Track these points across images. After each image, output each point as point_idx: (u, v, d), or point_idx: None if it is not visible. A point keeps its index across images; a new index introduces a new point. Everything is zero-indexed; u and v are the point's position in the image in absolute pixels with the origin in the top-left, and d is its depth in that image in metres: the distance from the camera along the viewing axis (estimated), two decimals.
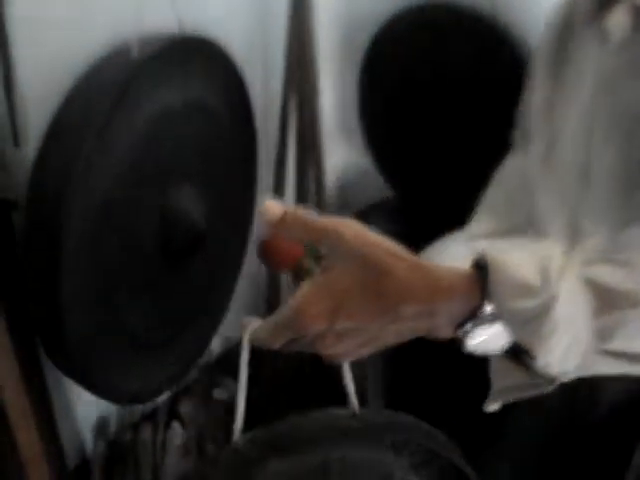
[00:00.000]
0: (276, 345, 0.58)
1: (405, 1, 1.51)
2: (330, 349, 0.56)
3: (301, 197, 1.60)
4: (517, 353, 0.57)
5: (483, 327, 0.55)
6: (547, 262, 0.54)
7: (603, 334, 0.54)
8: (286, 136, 1.55)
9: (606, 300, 0.54)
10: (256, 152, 1.38)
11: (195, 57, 1.11)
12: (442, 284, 0.55)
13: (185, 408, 1.51)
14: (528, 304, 0.53)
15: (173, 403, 1.60)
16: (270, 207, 0.56)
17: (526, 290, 0.53)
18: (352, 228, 0.55)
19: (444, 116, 1.54)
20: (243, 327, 0.61)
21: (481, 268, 0.55)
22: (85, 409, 1.36)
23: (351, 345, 0.56)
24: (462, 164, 1.50)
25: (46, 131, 0.91)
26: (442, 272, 0.56)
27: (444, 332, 0.57)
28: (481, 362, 0.65)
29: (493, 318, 0.55)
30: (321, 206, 1.60)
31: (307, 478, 0.62)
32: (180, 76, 1.08)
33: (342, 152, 1.79)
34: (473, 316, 0.54)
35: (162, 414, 1.53)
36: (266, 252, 0.77)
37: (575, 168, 0.78)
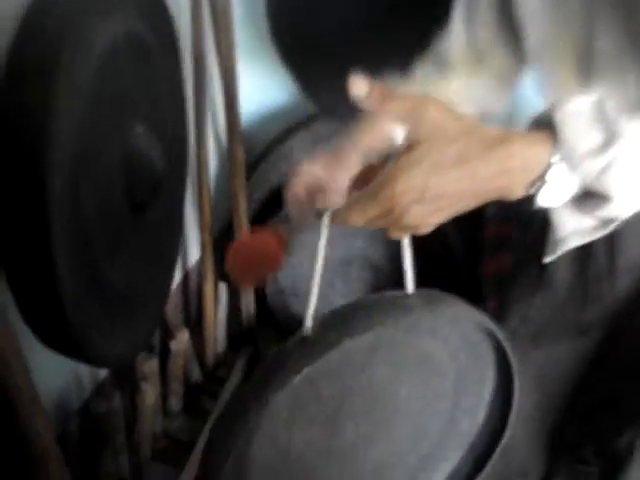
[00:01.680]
0: (360, 223, 0.62)
1: None
2: (414, 220, 0.61)
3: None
4: (583, 198, 0.62)
5: (554, 178, 0.60)
6: (602, 104, 0.58)
7: None
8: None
9: None
10: (183, 86, 1.30)
11: None
12: (517, 140, 0.60)
13: (146, 366, 1.45)
14: (595, 138, 0.57)
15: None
16: (357, 82, 0.60)
17: (590, 126, 0.58)
18: (435, 104, 0.59)
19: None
20: (322, 212, 0.64)
21: (547, 124, 0.59)
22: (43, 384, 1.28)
23: (434, 213, 0.61)
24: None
25: (6, 72, 0.80)
26: (515, 134, 0.61)
27: (516, 191, 0.61)
28: None
29: (562, 165, 0.59)
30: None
31: (358, 356, 0.70)
32: (120, 8, 0.98)
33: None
34: (547, 169, 0.59)
35: (127, 376, 1.46)
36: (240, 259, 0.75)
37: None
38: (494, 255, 1.68)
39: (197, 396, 1.70)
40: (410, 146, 0.59)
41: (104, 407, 1.34)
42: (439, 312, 0.73)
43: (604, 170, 0.58)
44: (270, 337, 1.82)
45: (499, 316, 1.13)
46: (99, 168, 0.94)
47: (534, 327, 1.06)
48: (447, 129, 0.58)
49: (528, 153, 0.59)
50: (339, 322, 0.68)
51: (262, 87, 1.85)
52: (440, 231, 1.57)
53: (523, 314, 1.08)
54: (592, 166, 0.58)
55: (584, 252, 0.96)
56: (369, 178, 0.63)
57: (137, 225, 1.09)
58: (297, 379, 0.65)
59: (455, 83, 0.97)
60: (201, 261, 1.68)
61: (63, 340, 0.94)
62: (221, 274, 1.74)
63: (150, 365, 1.44)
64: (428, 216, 0.61)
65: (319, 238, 0.65)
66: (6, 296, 0.87)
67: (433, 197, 0.59)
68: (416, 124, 0.58)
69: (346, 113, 1.65)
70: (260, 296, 1.84)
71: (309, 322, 0.67)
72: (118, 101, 1.00)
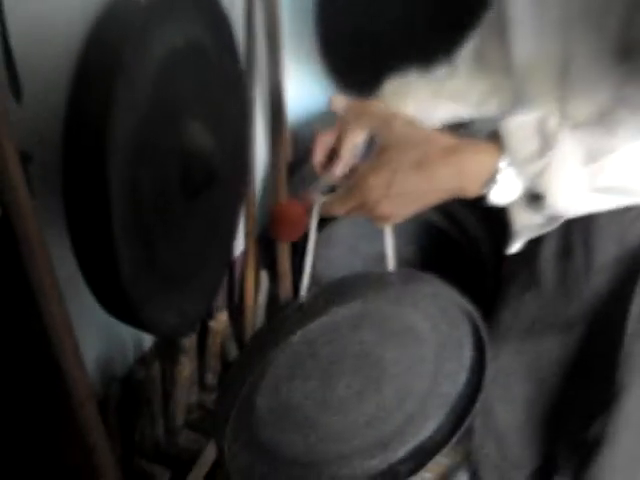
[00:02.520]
0: (342, 212, 0.75)
1: None
2: (384, 211, 0.71)
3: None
4: (530, 198, 0.72)
5: (502, 180, 0.69)
6: (545, 120, 0.68)
7: (594, 174, 0.67)
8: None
9: (593, 147, 0.67)
10: (244, 87, 1.41)
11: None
12: (469, 148, 0.70)
13: (186, 341, 1.57)
14: (533, 146, 0.67)
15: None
16: (336, 99, 0.74)
17: (531, 137, 0.67)
18: (401, 118, 0.72)
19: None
20: (313, 200, 0.78)
21: (496, 134, 0.70)
22: (91, 350, 1.41)
23: (400, 207, 0.72)
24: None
25: (74, 80, 0.92)
26: (469, 142, 0.71)
27: (472, 190, 0.71)
28: None
29: (509, 169, 0.69)
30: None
31: (348, 322, 0.83)
32: (180, 17, 1.10)
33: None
34: (495, 172, 0.69)
35: (168, 349, 1.59)
36: (278, 220, 0.92)
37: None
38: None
39: None
40: (380, 150, 0.71)
41: (143, 374, 1.48)
42: (416, 287, 0.85)
43: (541, 173, 0.67)
44: None
45: (498, 312, 1.24)
46: (156, 160, 1.05)
47: (525, 322, 1.15)
48: (410, 137, 0.70)
49: (479, 158, 0.69)
50: (329, 293, 0.81)
51: (309, 91, 1.96)
52: (467, 230, 1.67)
53: (516, 310, 1.18)
54: (531, 169, 0.67)
55: (565, 253, 1.06)
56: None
57: (192, 212, 1.21)
58: (293, 338, 0.77)
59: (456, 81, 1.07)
60: (245, 251, 1.80)
61: (123, 309, 1.06)
62: (263, 263, 1.86)
63: (189, 341, 1.57)
64: (396, 208, 0.72)
65: (312, 223, 0.80)
66: (72, 268, 1.00)
67: (398, 193, 0.70)
68: (385, 133, 0.71)
69: None
70: (298, 286, 1.94)
71: (304, 292, 0.80)
72: (176, 100, 1.11)
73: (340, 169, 0.94)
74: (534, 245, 1.06)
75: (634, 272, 0.97)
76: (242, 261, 1.91)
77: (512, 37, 0.94)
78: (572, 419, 1.22)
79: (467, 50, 1.07)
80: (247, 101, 1.39)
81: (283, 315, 0.81)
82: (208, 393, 1.77)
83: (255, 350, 0.81)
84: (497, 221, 1.84)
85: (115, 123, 0.92)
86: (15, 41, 0.85)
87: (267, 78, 1.62)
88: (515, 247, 0.86)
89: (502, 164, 0.68)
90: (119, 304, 1.03)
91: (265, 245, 1.87)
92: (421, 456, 0.99)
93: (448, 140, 0.71)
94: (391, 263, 0.83)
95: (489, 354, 0.91)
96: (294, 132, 1.78)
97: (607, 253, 1.00)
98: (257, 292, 1.86)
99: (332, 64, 1.78)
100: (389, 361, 0.91)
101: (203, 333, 1.70)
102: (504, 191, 0.70)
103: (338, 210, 0.75)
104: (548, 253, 1.09)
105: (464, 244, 1.79)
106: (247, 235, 1.77)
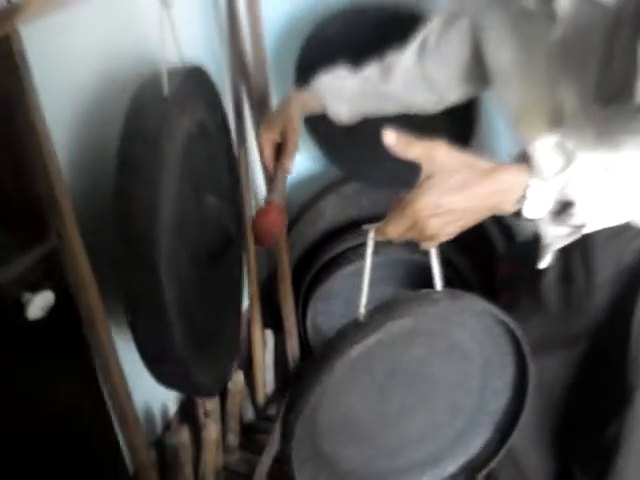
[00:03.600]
0: (395, 235, 0.82)
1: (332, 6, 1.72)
2: (433, 229, 0.80)
3: None
4: (558, 211, 0.83)
5: (533, 195, 0.80)
6: (564, 141, 0.79)
7: (611, 180, 0.79)
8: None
9: (606, 158, 0.78)
10: (235, 160, 1.55)
11: (198, 85, 1.27)
12: (503, 170, 0.80)
13: (210, 404, 1.65)
14: (558, 163, 0.78)
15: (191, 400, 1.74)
16: (389, 134, 0.81)
17: (555, 155, 0.78)
18: (443, 148, 0.80)
19: None
20: (367, 229, 0.86)
21: (523, 156, 0.81)
22: None
23: (448, 225, 0.81)
24: None
25: (118, 167, 1.04)
26: (501, 165, 0.82)
27: (508, 206, 0.82)
28: None
29: (539, 185, 0.79)
30: None
31: (400, 339, 0.92)
32: (193, 103, 1.23)
33: None
34: (526, 189, 0.80)
35: (193, 413, 1.66)
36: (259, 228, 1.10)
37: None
38: (507, 289, 1.91)
39: (251, 433, 1.90)
40: (427, 176, 0.79)
41: (174, 440, 1.54)
42: (462, 305, 0.95)
43: (567, 185, 0.78)
44: None
45: None
46: (190, 234, 1.17)
47: (532, 343, 1.26)
48: (452, 164, 0.79)
49: (511, 178, 0.79)
50: (383, 310, 0.91)
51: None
52: (461, 273, 1.81)
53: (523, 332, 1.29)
54: (558, 182, 0.78)
55: (566, 277, 1.18)
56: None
57: (214, 276, 1.32)
58: (353, 352, 0.85)
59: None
60: (250, 311, 1.89)
61: (175, 374, 1.16)
62: (267, 322, 1.95)
63: (213, 403, 1.64)
64: (444, 227, 0.80)
65: (368, 248, 0.88)
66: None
67: (445, 212, 0.78)
68: (430, 161, 0.79)
69: (366, 175, 1.90)
70: (303, 341, 2.04)
71: (362, 310, 0.90)
72: (195, 178, 1.23)
73: (290, 161, 1.13)
74: (536, 275, 1.19)
75: (634, 286, 1.09)
76: (247, 321, 1.99)
77: (501, 86, 1.09)
78: (584, 430, 1.30)
79: (406, 66, 1.28)
80: (238, 173, 1.52)
81: (342, 332, 0.91)
82: (230, 454, 1.83)
83: (317, 365, 0.89)
84: (488, 268, 1.99)
85: (161, 207, 1.03)
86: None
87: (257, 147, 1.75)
88: (545, 261, 0.99)
89: (532, 181, 0.79)
90: (171, 370, 1.13)
91: (267, 303, 1.96)
92: (470, 472, 1.07)
93: (484, 164, 0.80)
94: (438, 283, 0.92)
95: (532, 372, 1.00)
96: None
97: (606, 272, 1.12)
98: (264, 350, 1.95)
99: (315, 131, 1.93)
100: (439, 377, 1.00)
101: (221, 395, 1.77)
102: (536, 206, 0.80)
103: (392, 233, 0.82)
104: (551, 280, 1.20)
105: (458, 286, 1.92)
106: (251, 296, 1.85)
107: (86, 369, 1.11)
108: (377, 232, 0.85)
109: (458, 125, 1.74)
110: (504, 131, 1.27)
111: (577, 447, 1.35)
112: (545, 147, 0.79)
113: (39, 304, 0.99)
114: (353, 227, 2.03)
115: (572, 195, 0.79)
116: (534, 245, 1.10)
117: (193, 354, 1.15)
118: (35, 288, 1.00)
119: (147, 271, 1.02)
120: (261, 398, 1.96)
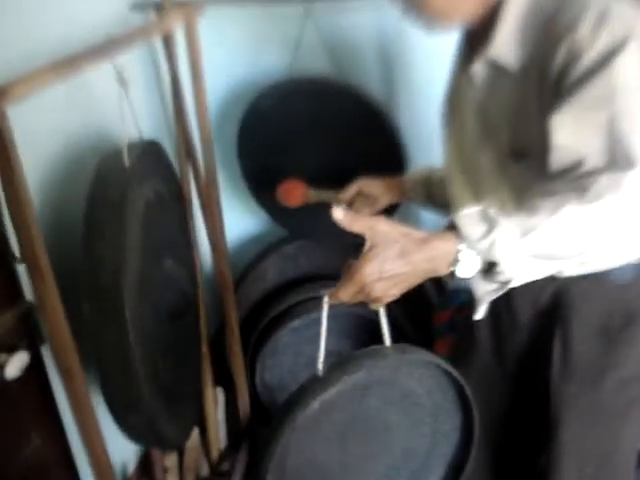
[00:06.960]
0: (345, 298, 0.93)
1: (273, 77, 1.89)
2: (379, 292, 0.91)
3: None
4: (486, 270, 0.95)
5: (463, 258, 0.92)
6: (486, 210, 0.93)
7: (528, 244, 0.91)
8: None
9: (524, 225, 0.91)
10: (188, 223, 1.66)
11: (154, 158, 1.38)
12: (436, 238, 0.92)
13: (168, 460, 1.70)
14: (481, 229, 0.91)
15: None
16: (338, 211, 0.91)
17: (479, 223, 0.91)
18: (383, 222, 0.92)
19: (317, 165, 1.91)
20: (323, 294, 0.97)
21: (452, 225, 0.93)
22: None
23: (391, 288, 0.92)
24: None
25: (85, 231, 1.14)
26: (434, 234, 0.93)
27: (443, 269, 0.94)
28: None
29: (467, 250, 0.91)
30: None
31: (354, 393, 1.02)
32: (150, 173, 1.34)
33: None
34: (457, 253, 0.92)
35: (152, 469, 1.71)
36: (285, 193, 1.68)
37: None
38: (445, 337, 2.04)
39: None
40: (370, 246, 0.90)
41: None
42: (409, 358, 1.06)
43: (491, 247, 0.89)
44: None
45: None
46: (152, 294, 1.26)
47: (475, 379, 1.37)
48: (391, 235, 0.90)
49: (443, 244, 0.91)
50: (339, 366, 1.00)
51: (242, 218, 2.27)
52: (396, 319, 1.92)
53: (465, 374, 1.41)
54: (482, 245, 0.89)
55: (495, 320, 1.33)
56: None
57: (173, 333, 1.41)
58: (314, 404, 0.95)
59: None
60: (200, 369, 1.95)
61: (141, 425, 1.23)
62: (217, 379, 2.02)
63: (171, 459, 1.70)
64: (388, 289, 0.90)
65: (323, 312, 0.97)
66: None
67: (388, 277, 0.89)
68: (373, 233, 0.90)
69: (308, 234, 2.05)
70: (253, 396, 2.12)
71: (320, 366, 1.00)
72: (155, 242, 1.33)
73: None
74: (469, 318, 1.33)
75: (550, 327, 1.24)
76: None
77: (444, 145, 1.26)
78: (520, 458, 1.42)
79: None
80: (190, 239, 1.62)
81: (303, 387, 1.01)
82: None
83: (281, 418, 0.99)
84: (421, 316, 2.12)
85: (126, 267, 1.13)
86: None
87: (206, 215, 1.86)
88: (480, 312, 1.11)
89: (461, 246, 0.91)
90: (139, 422, 1.20)
91: (216, 361, 2.03)
92: None
93: (419, 234, 0.91)
94: (387, 339, 1.03)
95: (476, 414, 1.11)
96: (231, 254, 2.01)
97: (526, 314, 1.28)
98: (216, 407, 2.01)
99: (258, 194, 2.07)
100: (394, 424, 1.09)
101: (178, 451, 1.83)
102: (466, 267, 0.92)
103: (343, 297, 0.93)
104: (483, 320, 1.32)
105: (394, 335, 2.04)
106: (202, 355, 1.92)
107: (55, 426, 1.17)
108: (330, 296, 0.95)
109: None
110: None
111: (517, 471, 1.47)
112: (470, 216, 0.91)
113: (16, 364, 1.06)
114: (295, 284, 2.15)
115: (496, 256, 0.91)
116: (465, 291, 1.23)
117: (160, 406, 1.23)
118: (11, 349, 1.07)
119: (114, 325, 1.10)
120: (215, 454, 2.01)
